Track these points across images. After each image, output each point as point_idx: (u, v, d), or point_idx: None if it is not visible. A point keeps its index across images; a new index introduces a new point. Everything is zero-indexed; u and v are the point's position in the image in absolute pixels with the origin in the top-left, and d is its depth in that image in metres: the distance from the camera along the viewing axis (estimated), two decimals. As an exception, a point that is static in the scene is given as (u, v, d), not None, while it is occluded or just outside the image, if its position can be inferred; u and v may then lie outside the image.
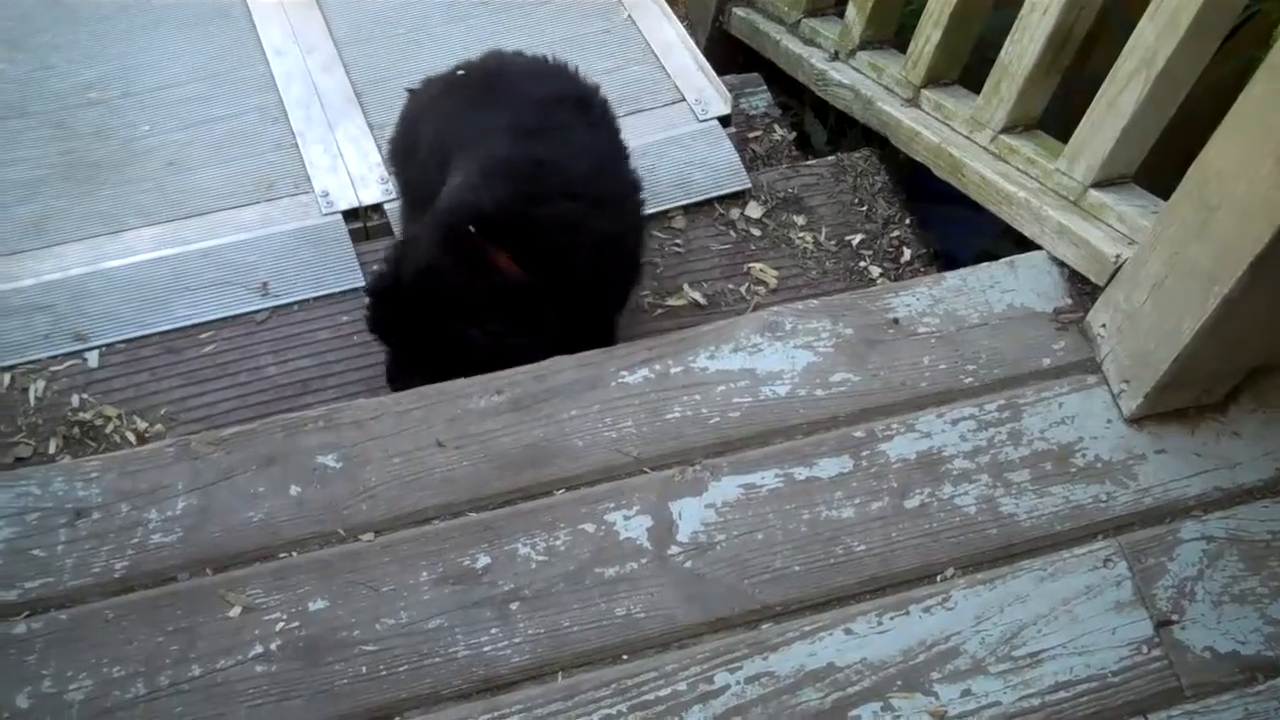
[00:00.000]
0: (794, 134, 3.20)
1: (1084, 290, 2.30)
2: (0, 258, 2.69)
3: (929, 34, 2.69)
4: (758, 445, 2.14)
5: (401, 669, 1.90)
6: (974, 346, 2.26)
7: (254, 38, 3.19)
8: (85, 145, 2.95)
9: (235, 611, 1.93)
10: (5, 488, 2.03)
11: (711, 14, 3.53)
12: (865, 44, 2.98)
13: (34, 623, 1.91)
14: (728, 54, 3.46)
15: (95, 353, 2.55)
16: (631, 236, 2.41)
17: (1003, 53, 2.48)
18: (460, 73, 2.54)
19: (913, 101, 2.80)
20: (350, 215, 2.81)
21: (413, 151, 2.55)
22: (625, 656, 1.94)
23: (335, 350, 2.57)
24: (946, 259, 2.85)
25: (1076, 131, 2.33)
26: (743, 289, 2.66)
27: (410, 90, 2.67)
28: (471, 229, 2.16)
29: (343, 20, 3.25)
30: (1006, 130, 2.53)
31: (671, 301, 2.63)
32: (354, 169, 2.86)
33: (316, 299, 2.64)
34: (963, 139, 2.63)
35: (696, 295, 2.64)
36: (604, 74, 3.03)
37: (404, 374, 2.30)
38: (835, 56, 3.07)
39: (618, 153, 2.43)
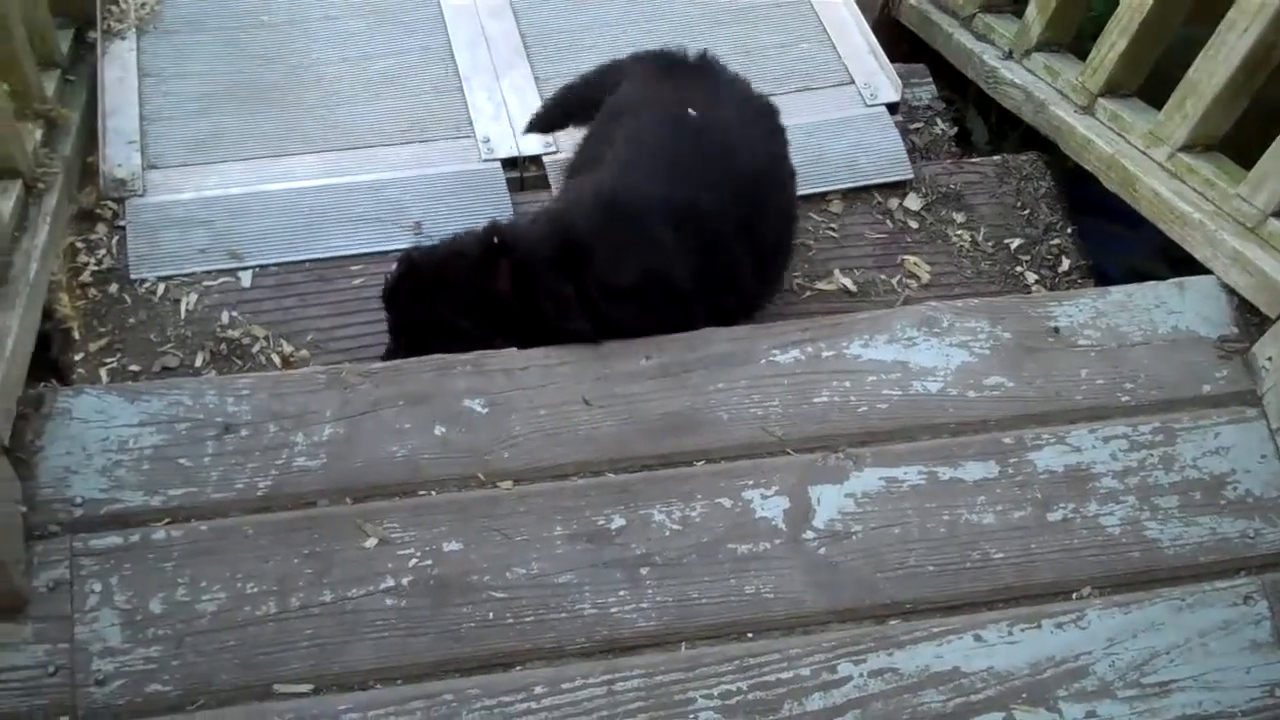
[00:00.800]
0: (955, 129, 3.15)
1: (1252, 321, 2.25)
2: (164, 169, 2.72)
3: (1114, 41, 2.62)
4: (903, 439, 2.11)
5: (527, 619, 1.90)
6: (1133, 365, 2.21)
7: (429, -21, 3.20)
8: (254, 67, 2.98)
9: (371, 543, 1.94)
10: (159, 395, 2.06)
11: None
12: (1042, 45, 2.93)
13: (174, 530, 1.94)
14: (892, 40, 3.40)
15: (248, 272, 2.58)
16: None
17: (1192, 69, 2.41)
18: (691, 112, 2.43)
19: (1087, 109, 2.74)
20: (509, 164, 2.81)
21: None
22: (750, 635, 1.93)
23: (481, 296, 2.57)
24: (1095, 273, 2.79)
25: (1263, 159, 2.26)
26: (894, 280, 2.63)
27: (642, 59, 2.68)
28: (496, 240, 2.23)
29: (515, -31, 3.26)
30: (1186, 149, 2.46)
31: (821, 285, 2.61)
32: (516, 118, 2.86)
33: (468, 244, 2.65)
34: (1138, 153, 2.57)
35: (847, 281, 2.61)
36: (774, 49, 3.03)
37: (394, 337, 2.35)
38: (1009, 55, 3.02)
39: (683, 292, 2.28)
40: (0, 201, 2.25)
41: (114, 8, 3.02)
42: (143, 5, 3.05)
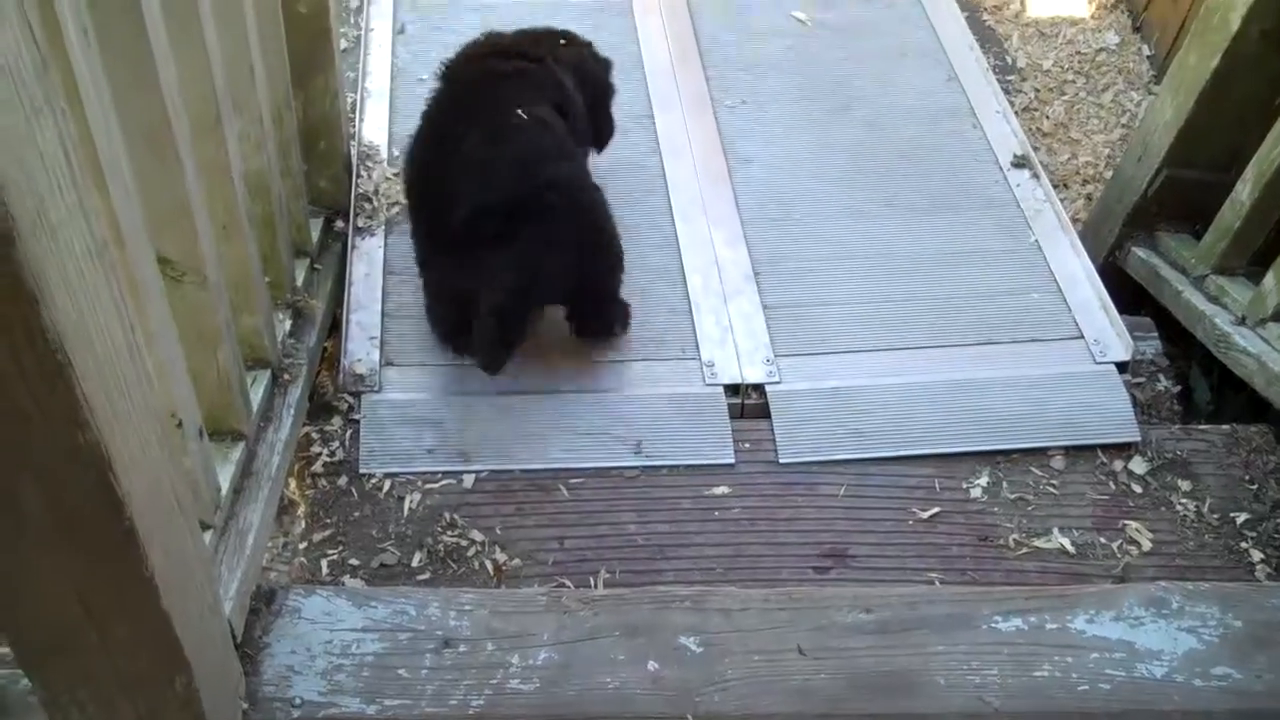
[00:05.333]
0: (1178, 387, 3.10)
1: None
2: (401, 367, 2.83)
3: (1359, 323, 2.58)
4: (1124, 724, 2.05)
5: None
6: (1371, 667, 2.12)
7: (666, 203, 3.29)
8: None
9: (576, 775, 1.94)
10: (385, 603, 2.11)
11: (1108, 247, 3.47)
12: (1279, 316, 2.88)
13: (386, 741, 1.96)
14: (1114, 287, 3.37)
15: (471, 476, 2.63)
16: None
17: None
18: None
19: (1326, 389, 2.68)
20: (731, 390, 2.84)
21: None
22: None
23: (695, 521, 2.59)
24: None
25: None
26: (1114, 545, 2.57)
27: None
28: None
29: (750, 198, 3.33)
30: None
31: (1038, 543, 2.56)
32: (742, 345, 2.90)
33: (686, 467, 2.67)
34: (1379, 441, 2.50)
35: (1065, 542, 2.56)
36: (1003, 295, 3.04)
37: None
38: (1242, 321, 2.97)
39: None
40: (252, 393, 2.35)
41: (366, 205, 3.17)
42: (393, 205, 3.19)
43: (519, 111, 2.75)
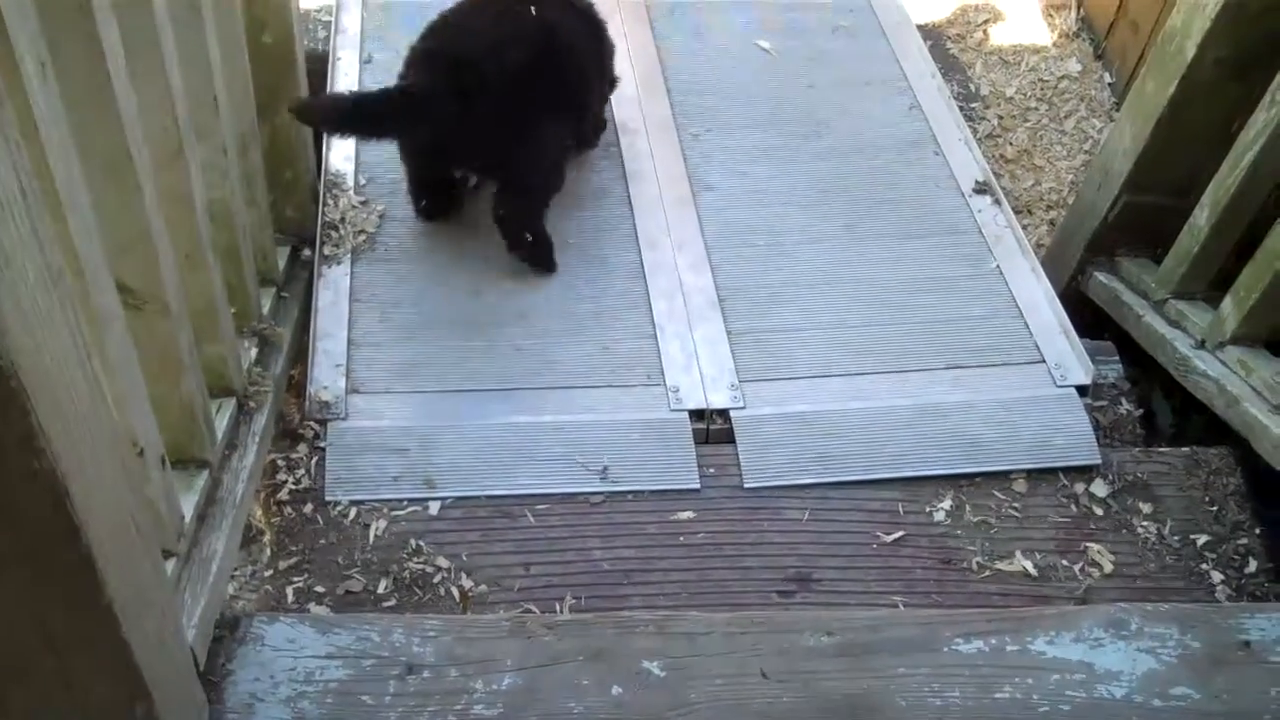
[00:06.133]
0: (1140, 410, 3.12)
1: None
2: (367, 394, 2.83)
3: (1315, 344, 2.61)
4: (1085, 745, 2.06)
5: None
6: (1328, 689, 2.14)
7: (631, 229, 3.32)
8: (461, 299, 3.11)
9: (539, 802, 1.94)
10: (349, 630, 2.11)
11: (1070, 272, 3.51)
12: (1237, 339, 2.90)
13: (350, 767, 1.97)
14: (1076, 311, 3.41)
15: (436, 503, 2.63)
16: None
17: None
18: None
19: (1283, 410, 2.71)
20: (696, 416, 2.85)
21: None
22: None
23: (661, 546, 2.60)
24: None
25: None
26: (1076, 568, 2.59)
27: None
28: None
29: (714, 223, 3.35)
30: (1389, 464, 2.42)
31: (1001, 566, 2.58)
32: (707, 370, 2.91)
33: (652, 492, 2.68)
34: (1338, 464, 2.53)
35: (1028, 564, 2.58)
36: (962, 320, 3.06)
37: None
38: (1201, 345, 3.00)
39: None
40: (216, 421, 2.35)
41: (333, 233, 3.18)
42: (360, 233, 3.20)
43: None
